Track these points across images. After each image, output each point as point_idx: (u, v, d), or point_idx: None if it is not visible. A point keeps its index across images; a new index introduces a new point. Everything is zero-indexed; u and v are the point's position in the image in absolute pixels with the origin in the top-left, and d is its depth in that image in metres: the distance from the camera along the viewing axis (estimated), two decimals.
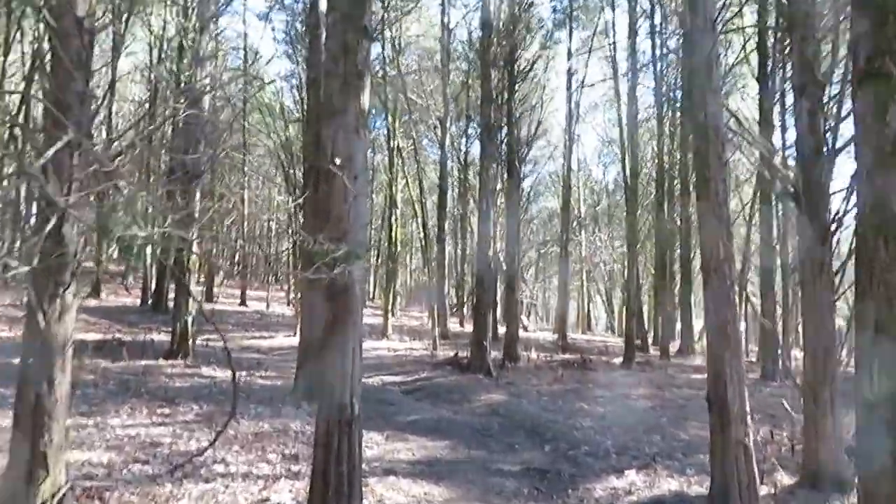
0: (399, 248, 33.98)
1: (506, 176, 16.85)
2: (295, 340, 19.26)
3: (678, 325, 25.80)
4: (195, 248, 13.52)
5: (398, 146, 25.38)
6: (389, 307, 21.86)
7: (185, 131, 13.89)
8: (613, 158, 44.09)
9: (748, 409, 6.58)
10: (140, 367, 11.76)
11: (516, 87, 16.61)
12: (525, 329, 31.81)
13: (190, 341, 13.28)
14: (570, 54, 28.76)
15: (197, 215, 13.78)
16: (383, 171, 31.45)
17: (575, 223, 37.13)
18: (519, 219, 18.41)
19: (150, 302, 23.99)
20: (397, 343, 20.24)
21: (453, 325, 28.90)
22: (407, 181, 26.42)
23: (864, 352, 3.38)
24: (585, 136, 65.82)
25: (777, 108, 18.45)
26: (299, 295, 19.82)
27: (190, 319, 13.31)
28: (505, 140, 16.28)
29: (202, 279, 30.14)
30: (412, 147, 31.06)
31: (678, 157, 24.40)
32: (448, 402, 12.11)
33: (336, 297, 4.94)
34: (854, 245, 3.57)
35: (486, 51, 14.27)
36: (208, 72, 17.89)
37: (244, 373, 12.71)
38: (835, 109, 8.12)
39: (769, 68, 16.79)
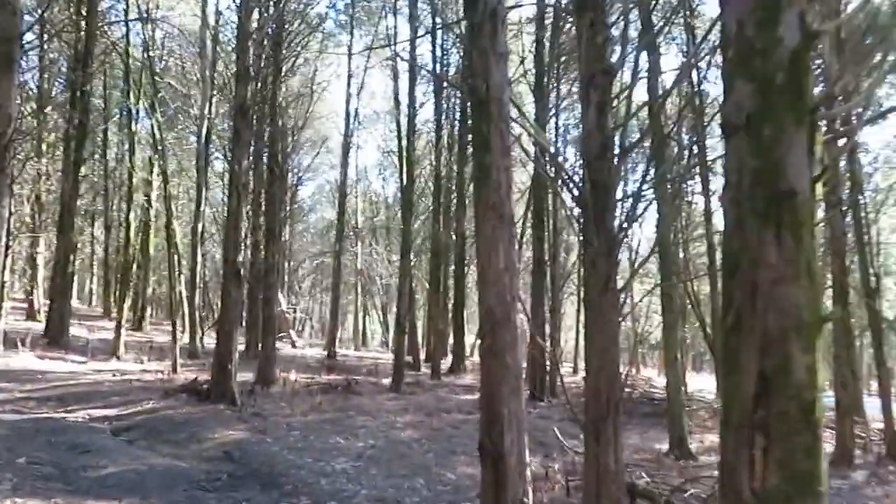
0: (153, 253, 29.97)
1: (265, 171, 14.65)
2: None
3: (451, 342, 25.30)
4: None
5: (158, 139, 21.93)
6: (123, 320, 18.39)
7: None
8: (393, 171, 43.61)
9: (528, 459, 5.25)
10: None
11: (282, 72, 14.57)
12: (294, 345, 29.52)
13: None
14: (350, 57, 27.41)
15: None
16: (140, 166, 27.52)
17: (352, 234, 35.67)
18: (282, 221, 16.26)
19: None
20: (130, 364, 16.94)
21: (212, 341, 25.73)
22: (164, 178, 22.96)
23: (740, 417, 1.98)
24: (367, 147, 64.86)
25: (552, 130, 18.49)
26: None
27: None
28: (266, 130, 14.14)
29: None
30: (162, 140, 27.55)
31: (455, 169, 23.92)
32: (171, 442, 9.64)
33: None
34: (722, 243, 2.22)
35: (246, 19, 12.05)
36: None
37: None
38: (623, 106, 7.23)
39: (546, 80, 16.56)
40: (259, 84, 13.68)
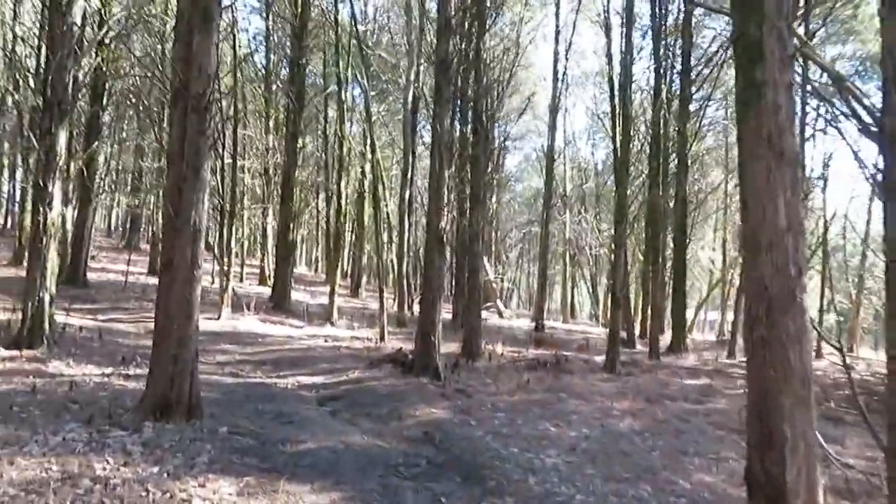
0: (367, 222, 31.03)
1: (469, 133, 13.78)
2: (216, 323, 16.28)
3: (668, 317, 23.16)
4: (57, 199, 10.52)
5: (368, 112, 22.20)
6: (337, 286, 18.80)
7: None
8: (603, 136, 41.33)
9: (821, 499, 3.71)
10: None
11: (486, 26, 13.56)
12: (501, 315, 29.09)
13: (46, 325, 10.23)
14: (557, 14, 25.89)
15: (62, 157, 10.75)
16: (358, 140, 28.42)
17: (559, 202, 34.33)
18: (487, 186, 15.39)
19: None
20: (342, 331, 17.27)
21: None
22: (372, 147, 23.21)
23: None
24: (575, 112, 62.60)
25: None
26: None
27: (47, 296, 10.24)
28: (471, 86, 13.20)
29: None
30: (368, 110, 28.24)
31: (674, 128, 21.49)
32: (372, 417, 9.19)
33: None
34: None
35: None
36: None
37: (108, 370, 9.74)
38: None
39: None
40: (461, 40, 12.77)
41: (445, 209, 11.60)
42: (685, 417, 10.35)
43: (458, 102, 13.76)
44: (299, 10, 20.43)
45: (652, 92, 20.19)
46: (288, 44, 25.89)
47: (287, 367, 12.10)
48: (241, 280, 29.08)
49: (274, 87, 28.56)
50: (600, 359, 15.75)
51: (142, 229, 37.17)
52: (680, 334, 20.32)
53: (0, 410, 6.98)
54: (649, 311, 22.34)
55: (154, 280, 24.13)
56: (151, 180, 29.95)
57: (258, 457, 6.67)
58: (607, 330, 15.49)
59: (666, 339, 20.91)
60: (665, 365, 16.40)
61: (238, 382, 10.45)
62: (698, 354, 19.92)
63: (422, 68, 22.64)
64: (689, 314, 25.35)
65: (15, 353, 9.57)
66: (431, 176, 11.77)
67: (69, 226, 21.81)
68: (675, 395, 12.21)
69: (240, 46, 29.63)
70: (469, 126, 14.04)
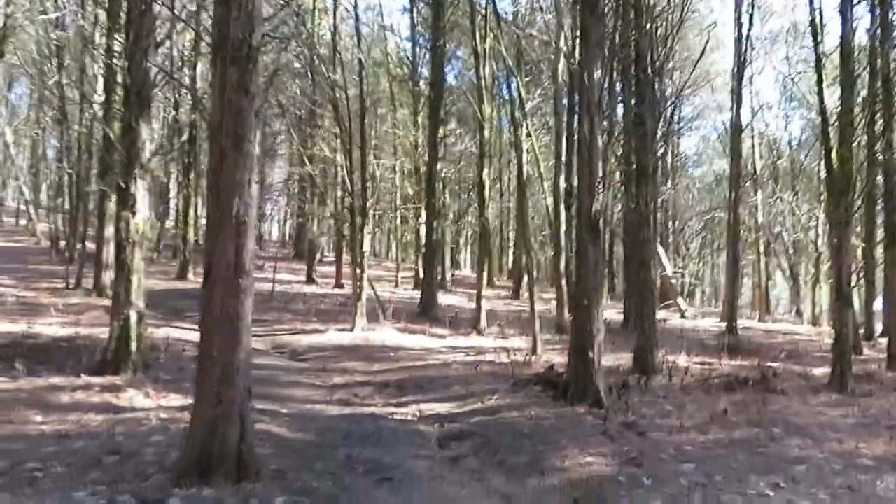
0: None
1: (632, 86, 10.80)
2: (347, 336, 14.63)
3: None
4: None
5: (521, 98, 19.71)
6: (483, 290, 16.40)
7: None
8: (797, 105, 35.74)
9: None
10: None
11: None
12: (683, 315, 25.37)
13: (133, 347, 8.88)
14: None
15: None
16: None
17: (748, 183, 29.70)
18: (655, 158, 12.32)
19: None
20: (490, 340, 14.91)
21: None
22: (515, 127, 20.32)
23: None
24: (761, 81, 55.80)
25: None
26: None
27: (134, 314, 8.89)
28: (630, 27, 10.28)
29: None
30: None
31: None
32: (505, 467, 6.72)
33: None
34: None
35: None
36: None
37: (190, 400, 8.10)
38: None
39: None
40: None
41: (600, 186, 8.88)
42: None
43: (616, 50, 10.93)
44: None
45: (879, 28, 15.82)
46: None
47: (412, 391, 9.97)
48: (397, 285, 27.85)
49: (421, 81, 27.08)
50: (820, 371, 12.11)
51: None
52: None
53: (13, 466, 5.41)
54: (879, 306, 17.83)
55: (308, 288, 23.36)
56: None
57: None
58: (833, 339, 11.57)
59: None
60: None
61: (343, 414, 8.45)
62: None
63: (577, 42, 19.83)
64: None
65: (94, 379, 8.26)
66: (580, 145, 9.12)
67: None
68: None
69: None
70: (632, 76, 11.12)
